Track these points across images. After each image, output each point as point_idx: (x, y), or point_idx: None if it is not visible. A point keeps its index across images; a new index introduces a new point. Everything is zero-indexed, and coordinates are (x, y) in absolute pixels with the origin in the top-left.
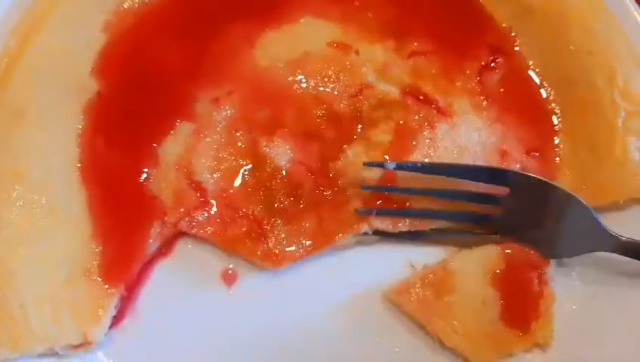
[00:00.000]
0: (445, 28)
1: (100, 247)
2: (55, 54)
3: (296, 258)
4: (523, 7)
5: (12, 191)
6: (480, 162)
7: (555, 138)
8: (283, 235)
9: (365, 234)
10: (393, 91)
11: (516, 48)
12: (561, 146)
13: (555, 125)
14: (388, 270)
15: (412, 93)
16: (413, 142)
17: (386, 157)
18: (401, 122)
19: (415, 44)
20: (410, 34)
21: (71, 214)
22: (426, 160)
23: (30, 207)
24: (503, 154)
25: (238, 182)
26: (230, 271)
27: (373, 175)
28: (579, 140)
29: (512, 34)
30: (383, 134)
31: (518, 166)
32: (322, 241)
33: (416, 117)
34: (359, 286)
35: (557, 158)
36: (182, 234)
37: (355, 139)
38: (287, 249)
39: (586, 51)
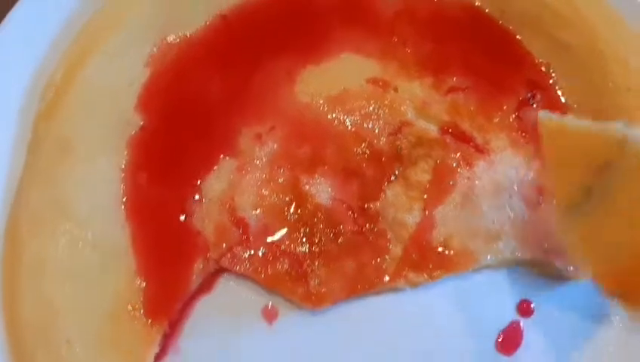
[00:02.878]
0: (483, 63)
1: (144, 283)
2: (100, 88)
3: (336, 301)
4: (559, 42)
5: (57, 225)
6: (516, 198)
7: None
8: (323, 277)
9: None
10: (432, 129)
11: (551, 82)
12: None
13: None
14: (427, 313)
15: (450, 130)
16: (451, 182)
17: (424, 196)
18: (438, 161)
19: (454, 79)
20: (448, 70)
21: (116, 250)
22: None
23: (75, 242)
24: (541, 190)
25: (279, 219)
26: (270, 308)
27: (413, 219)
28: None
29: (550, 69)
30: (422, 173)
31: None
32: (362, 286)
33: (455, 155)
34: (399, 329)
35: None
36: (223, 270)
37: (395, 178)
38: (326, 291)
39: (624, 87)
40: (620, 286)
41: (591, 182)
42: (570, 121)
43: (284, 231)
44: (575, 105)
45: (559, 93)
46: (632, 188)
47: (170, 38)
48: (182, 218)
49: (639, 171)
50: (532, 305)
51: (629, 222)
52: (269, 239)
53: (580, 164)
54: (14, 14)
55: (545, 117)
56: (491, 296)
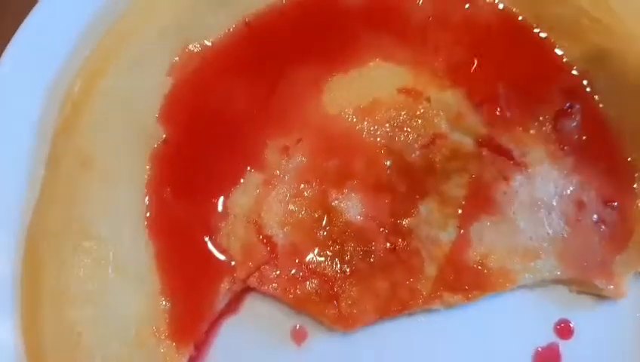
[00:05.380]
0: (518, 72)
1: (169, 304)
2: (120, 99)
3: (367, 323)
4: (597, 49)
5: (78, 246)
6: (555, 214)
7: (635, 187)
8: (354, 297)
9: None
10: (467, 142)
11: (589, 90)
12: None
13: (634, 174)
14: (460, 334)
15: (487, 143)
16: (488, 197)
17: (459, 212)
18: (474, 175)
19: (488, 88)
20: (482, 79)
21: (139, 270)
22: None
23: (97, 262)
24: (580, 205)
25: (308, 236)
26: (299, 328)
27: (448, 236)
28: None
29: (588, 78)
30: (456, 188)
31: (595, 216)
32: (395, 307)
33: (492, 169)
34: (432, 351)
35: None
36: (250, 289)
37: (428, 193)
38: (358, 312)
39: None
40: None
41: None
42: None
43: (313, 249)
44: (615, 116)
45: (598, 103)
46: None
47: (192, 47)
48: (207, 235)
49: None
50: (571, 325)
51: None
52: (298, 258)
53: None
54: (30, 22)
55: None
56: (527, 315)
